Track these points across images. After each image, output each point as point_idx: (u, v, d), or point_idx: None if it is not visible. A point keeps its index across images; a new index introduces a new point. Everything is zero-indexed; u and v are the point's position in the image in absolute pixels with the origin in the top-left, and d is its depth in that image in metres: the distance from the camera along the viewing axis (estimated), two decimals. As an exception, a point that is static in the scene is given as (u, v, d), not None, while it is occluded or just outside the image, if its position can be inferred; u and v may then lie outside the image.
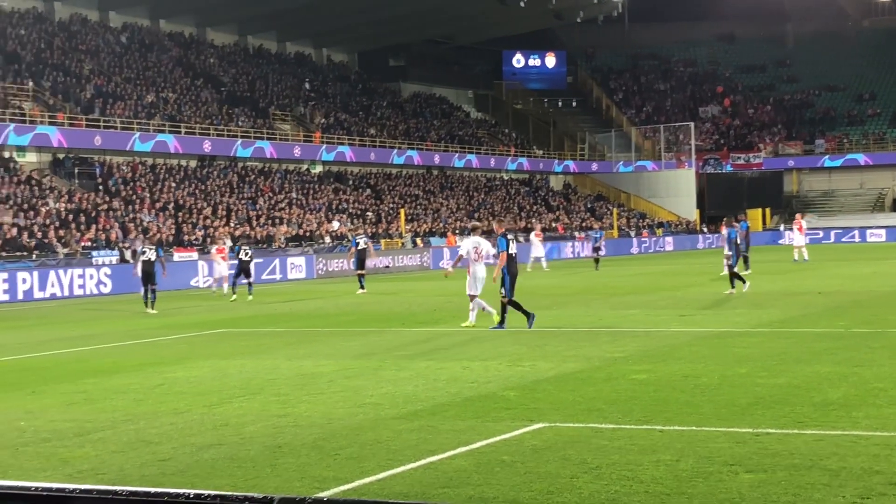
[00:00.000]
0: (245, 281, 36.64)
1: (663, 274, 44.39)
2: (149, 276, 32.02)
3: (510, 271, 22.56)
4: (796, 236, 50.91)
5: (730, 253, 30.55)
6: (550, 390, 14.07)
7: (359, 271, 39.44)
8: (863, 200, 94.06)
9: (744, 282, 30.32)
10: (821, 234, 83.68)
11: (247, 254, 37.13)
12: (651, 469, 9.37)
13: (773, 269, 44.38)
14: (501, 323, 22.83)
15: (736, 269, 30.79)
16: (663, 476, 9.12)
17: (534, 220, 68.38)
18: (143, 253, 32.49)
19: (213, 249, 41.44)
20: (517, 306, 22.51)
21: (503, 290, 22.64)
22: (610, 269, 49.49)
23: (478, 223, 27.87)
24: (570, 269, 52.64)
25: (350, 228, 56.63)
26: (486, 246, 23.43)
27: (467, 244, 23.57)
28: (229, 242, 43.93)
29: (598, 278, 42.96)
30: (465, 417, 12.28)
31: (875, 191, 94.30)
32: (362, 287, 38.30)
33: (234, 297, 36.43)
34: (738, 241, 30.77)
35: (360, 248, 39.39)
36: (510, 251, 22.65)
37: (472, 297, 23.45)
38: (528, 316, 22.42)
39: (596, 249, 52.02)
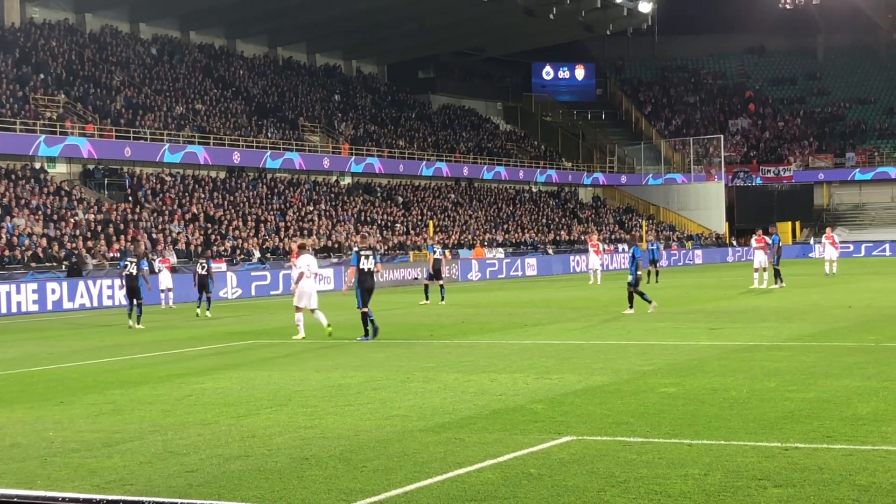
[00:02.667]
0: (204, 297, 35.58)
1: (692, 287, 44.21)
2: (133, 291, 30.87)
3: (363, 285, 24.23)
4: (828, 250, 50.57)
5: (640, 271, 30.26)
6: (578, 403, 14.02)
7: (438, 281, 38.20)
8: (894, 214, 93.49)
9: (649, 302, 29.80)
10: (851, 247, 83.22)
11: (203, 267, 36.08)
12: (679, 483, 9.32)
13: (803, 283, 44.18)
14: (366, 335, 24.29)
15: (642, 289, 30.28)
16: (691, 490, 9.06)
17: (590, 233, 67.90)
18: (125, 266, 31.33)
19: (158, 259, 41.85)
20: (364, 319, 24.30)
21: (358, 303, 24.36)
22: (678, 279, 49.26)
23: (306, 241, 29.63)
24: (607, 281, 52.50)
25: (429, 237, 55.73)
26: (314, 263, 25.78)
27: (302, 262, 25.56)
28: (174, 256, 44.28)
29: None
30: (493, 430, 12.25)
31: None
32: (443, 298, 37.58)
33: (198, 311, 35.47)
34: (656, 257, 30.25)
35: (436, 256, 38.39)
36: (361, 266, 24.28)
37: (298, 310, 25.29)
38: (366, 333, 24.19)
39: (654, 262, 49.54)
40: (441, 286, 38.12)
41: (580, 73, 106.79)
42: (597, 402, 14.10)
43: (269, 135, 67.16)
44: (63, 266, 43.57)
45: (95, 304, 41.57)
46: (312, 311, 25.35)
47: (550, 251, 69.82)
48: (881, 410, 12.80)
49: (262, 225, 57.02)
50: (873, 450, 10.53)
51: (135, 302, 30.84)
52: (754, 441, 11.12)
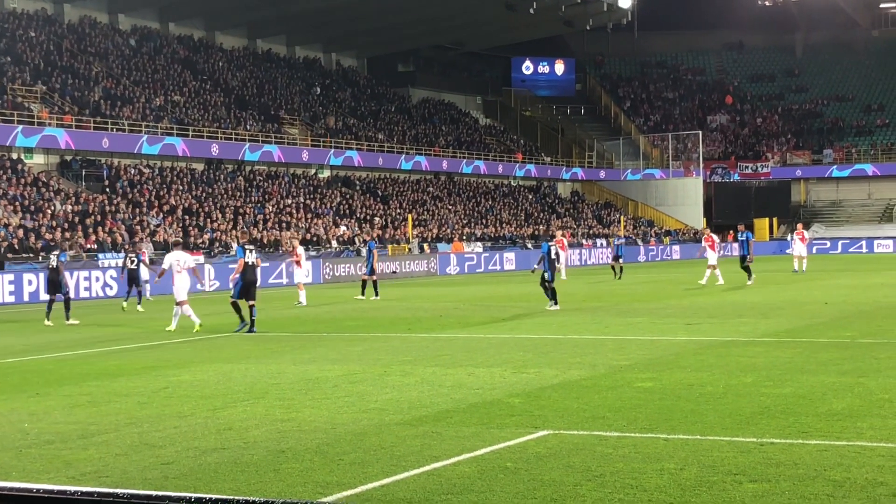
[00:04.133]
0: (135, 291, 34.50)
1: (670, 282, 44.35)
2: (54, 285, 29.38)
3: (245, 277, 25.18)
4: (797, 246, 50.37)
5: (541, 268, 30.47)
6: (555, 397, 14.06)
7: (373, 277, 37.15)
8: (870, 211, 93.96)
9: (554, 301, 30.00)
10: (828, 244, 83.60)
11: (133, 262, 34.99)
12: (655, 477, 9.35)
13: (779, 279, 44.35)
14: (247, 327, 24.92)
15: (553, 285, 30.38)
16: (667, 485, 9.10)
17: (552, 227, 68.07)
18: (49, 259, 29.76)
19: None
20: (236, 309, 25.18)
21: (234, 293, 25.42)
22: (646, 275, 49.39)
23: (179, 239, 30.34)
24: (582, 276, 52.55)
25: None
26: (185, 258, 26.68)
27: (169, 258, 26.73)
28: (150, 248, 44.11)
29: (607, 286, 42.90)
30: (470, 424, 12.27)
31: (883, 201, 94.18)
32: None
33: (124, 305, 34.85)
34: (554, 256, 30.47)
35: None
36: (247, 259, 25.26)
37: (180, 304, 26.00)
38: (241, 322, 24.99)
39: (618, 258, 49.89)
40: (374, 281, 37.00)
41: (560, 67, 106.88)
42: (573, 396, 14.13)
43: (248, 127, 66.99)
44: (39, 258, 43.37)
45: (73, 295, 41.30)
46: (178, 303, 26.11)
47: (529, 245, 69.84)
48: (856, 406, 12.88)
49: (240, 217, 56.88)
50: (848, 445, 10.59)
51: (56, 295, 29.42)
52: (730, 436, 11.17)
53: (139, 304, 34.79)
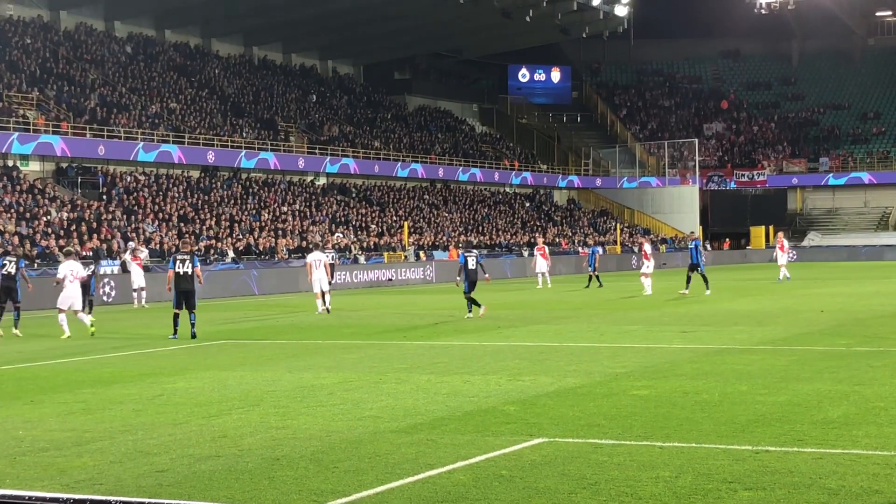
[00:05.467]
0: (12, 308, 28.36)
1: (665, 290, 44.34)
2: (9, 292, 28.04)
3: (178, 287, 25.88)
4: (779, 255, 49.84)
5: (461, 279, 31.06)
6: (550, 405, 14.04)
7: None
8: (867, 219, 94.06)
9: (479, 306, 30.29)
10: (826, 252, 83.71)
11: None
12: (650, 485, 9.34)
13: (774, 287, 44.38)
14: (174, 334, 25.62)
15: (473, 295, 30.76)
16: (662, 493, 9.09)
17: (537, 235, 68.19)
18: (3, 266, 28.06)
19: (130, 257, 41.49)
20: (175, 319, 25.77)
21: (173, 303, 26.06)
22: (613, 284, 49.37)
23: (71, 249, 31.22)
24: (574, 284, 52.55)
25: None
26: (78, 268, 27.65)
27: (64, 268, 27.48)
28: (146, 254, 43.90)
29: (601, 294, 42.88)
30: (465, 431, 12.26)
31: (879, 209, 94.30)
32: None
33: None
34: (472, 266, 30.79)
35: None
36: (177, 270, 25.96)
37: (61, 311, 27.05)
38: (175, 331, 25.65)
39: (593, 267, 48.74)
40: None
41: (556, 75, 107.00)
42: (569, 404, 14.12)
43: (244, 134, 66.99)
44: (35, 264, 43.32)
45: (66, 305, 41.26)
46: (76, 312, 27.21)
47: (525, 253, 69.85)
48: (851, 414, 12.87)
49: (236, 225, 56.86)
50: (843, 453, 10.59)
51: (10, 304, 28.16)
52: (725, 444, 11.16)
53: (90, 312, 31.75)
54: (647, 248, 42.97)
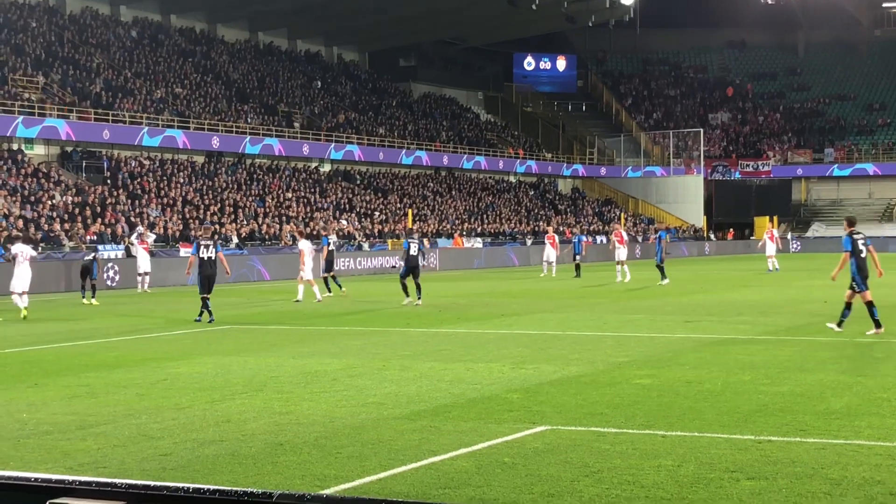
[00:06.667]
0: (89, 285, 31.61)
1: (670, 279, 44.31)
2: None
3: (202, 273, 26.15)
4: (768, 245, 49.38)
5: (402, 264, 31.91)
6: (553, 393, 14.06)
7: (331, 273, 36.82)
8: (871, 210, 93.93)
9: (418, 295, 30.79)
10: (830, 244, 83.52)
11: (90, 255, 32.29)
12: (652, 474, 9.36)
13: (777, 278, 44.35)
14: (199, 316, 25.94)
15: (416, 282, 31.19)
16: (664, 481, 9.10)
17: (544, 224, 68.10)
18: None
19: (137, 241, 41.48)
20: (204, 303, 25.91)
21: (199, 289, 26.40)
22: (616, 273, 49.26)
23: (19, 232, 32.82)
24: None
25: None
26: (26, 250, 29.04)
27: (16, 250, 29.16)
28: (151, 239, 43.89)
29: (605, 283, 42.85)
30: (468, 419, 12.27)
31: (884, 201, 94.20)
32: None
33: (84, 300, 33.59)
34: (414, 252, 31.30)
35: (330, 248, 37.55)
36: (201, 255, 26.19)
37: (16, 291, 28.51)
38: (201, 313, 25.88)
39: (575, 255, 49.01)
40: (334, 277, 36.73)
41: (561, 64, 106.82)
42: (572, 392, 14.13)
43: (249, 120, 66.96)
44: (39, 248, 43.34)
45: (73, 287, 41.32)
46: (20, 294, 28.26)
47: (529, 242, 69.84)
48: (854, 405, 12.88)
49: (240, 210, 56.87)
50: (846, 444, 10.60)
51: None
52: (728, 433, 11.17)
53: (93, 297, 33.82)
54: (623, 234, 43.44)
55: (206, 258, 26.31)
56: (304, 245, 34.10)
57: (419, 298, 30.82)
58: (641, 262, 59.82)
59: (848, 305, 21.33)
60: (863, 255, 21.66)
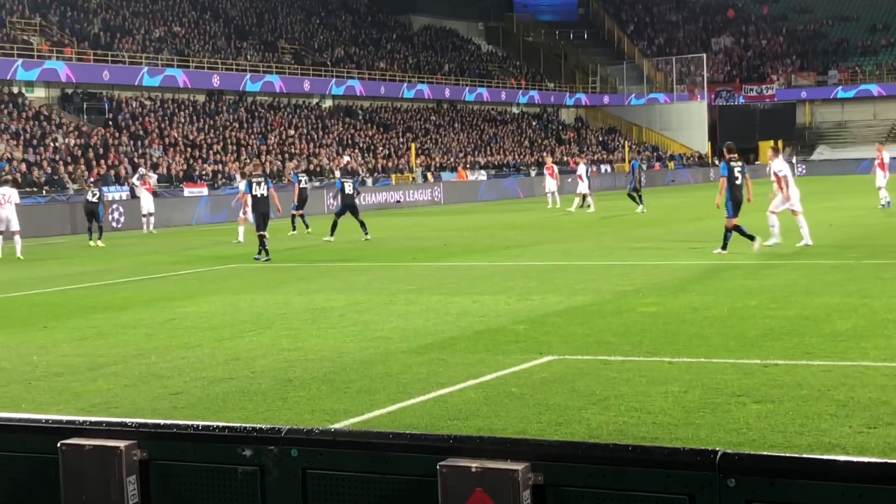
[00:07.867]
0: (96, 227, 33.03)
1: (674, 207, 44.32)
2: None
3: (256, 210, 25.72)
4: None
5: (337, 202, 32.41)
6: (560, 323, 14.12)
7: (300, 211, 35.76)
8: (876, 131, 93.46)
9: (365, 232, 30.87)
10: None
11: (94, 195, 33.37)
12: (659, 400, 9.42)
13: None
14: (259, 254, 25.56)
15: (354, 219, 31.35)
16: (671, 407, 9.17)
17: (545, 154, 67.93)
18: None
19: (139, 183, 41.46)
20: (262, 241, 25.57)
21: (256, 227, 25.94)
22: (622, 202, 49.24)
23: (8, 177, 32.78)
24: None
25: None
26: (10, 193, 29.40)
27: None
28: (154, 180, 43.79)
29: (612, 211, 42.83)
30: (475, 351, 12.34)
31: (888, 122, 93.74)
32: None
33: (91, 243, 33.73)
34: (350, 191, 31.33)
35: (301, 186, 36.24)
36: (254, 192, 25.76)
37: (3, 233, 29.15)
38: (259, 252, 25.61)
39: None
40: (302, 215, 35.61)
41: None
42: (578, 321, 14.19)
43: (249, 57, 66.61)
44: (43, 191, 43.39)
45: (78, 229, 41.39)
46: (13, 234, 29.00)
47: (533, 173, 69.71)
48: (860, 327, 12.93)
49: (243, 149, 56.75)
50: (852, 365, 10.65)
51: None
52: (734, 358, 11.23)
53: (99, 239, 33.87)
54: (581, 168, 44.13)
55: (259, 195, 25.88)
56: (243, 185, 33.61)
57: (367, 235, 30.74)
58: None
59: (730, 230, 22.53)
60: (738, 183, 22.75)
